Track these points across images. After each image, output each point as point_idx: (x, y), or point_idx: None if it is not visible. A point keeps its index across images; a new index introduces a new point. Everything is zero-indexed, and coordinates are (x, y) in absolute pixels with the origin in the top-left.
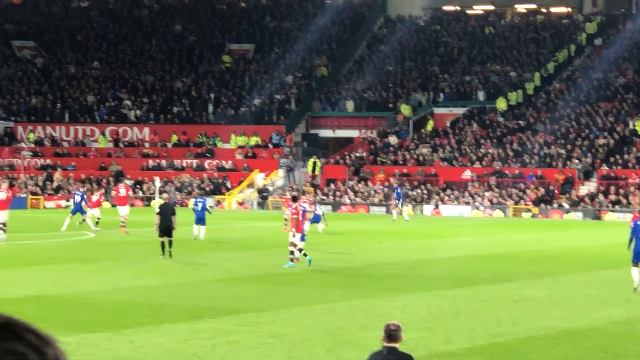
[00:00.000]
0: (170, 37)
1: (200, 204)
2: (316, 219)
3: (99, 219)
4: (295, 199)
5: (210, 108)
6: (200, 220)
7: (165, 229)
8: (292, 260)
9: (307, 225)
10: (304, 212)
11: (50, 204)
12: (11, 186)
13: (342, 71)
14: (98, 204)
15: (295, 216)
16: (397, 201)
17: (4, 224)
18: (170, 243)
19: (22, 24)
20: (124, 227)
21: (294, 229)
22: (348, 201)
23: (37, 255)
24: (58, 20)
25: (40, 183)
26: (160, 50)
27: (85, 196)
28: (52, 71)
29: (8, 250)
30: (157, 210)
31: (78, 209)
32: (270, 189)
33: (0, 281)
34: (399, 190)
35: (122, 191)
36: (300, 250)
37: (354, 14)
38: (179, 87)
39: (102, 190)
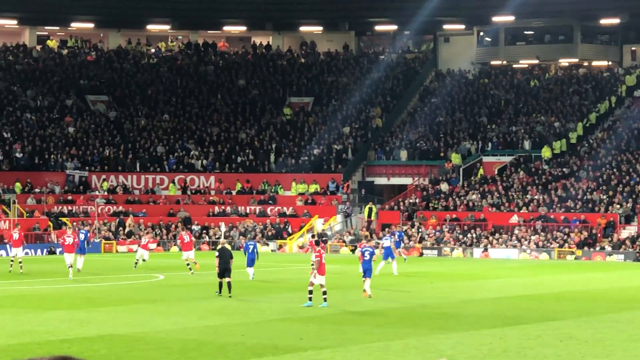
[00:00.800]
0: (234, 91)
1: (251, 247)
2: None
3: (144, 260)
4: (318, 242)
5: (272, 157)
6: (252, 262)
7: (224, 271)
8: (325, 300)
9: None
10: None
11: (122, 248)
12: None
13: (395, 122)
14: (146, 247)
15: (318, 259)
16: (397, 249)
17: (71, 266)
18: (228, 284)
19: (96, 80)
20: (191, 268)
21: (316, 271)
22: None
23: (109, 297)
24: (129, 75)
25: (112, 229)
26: (225, 103)
27: (88, 235)
28: (124, 123)
29: (83, 292)
30: (217, 253)
31: (81, 248)
32: (329, 233)
33: (75, 321)
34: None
35: (186, 237)
36: (324, 292)
37: (406, 69)
38: (242, 138)
39: (151, 234)
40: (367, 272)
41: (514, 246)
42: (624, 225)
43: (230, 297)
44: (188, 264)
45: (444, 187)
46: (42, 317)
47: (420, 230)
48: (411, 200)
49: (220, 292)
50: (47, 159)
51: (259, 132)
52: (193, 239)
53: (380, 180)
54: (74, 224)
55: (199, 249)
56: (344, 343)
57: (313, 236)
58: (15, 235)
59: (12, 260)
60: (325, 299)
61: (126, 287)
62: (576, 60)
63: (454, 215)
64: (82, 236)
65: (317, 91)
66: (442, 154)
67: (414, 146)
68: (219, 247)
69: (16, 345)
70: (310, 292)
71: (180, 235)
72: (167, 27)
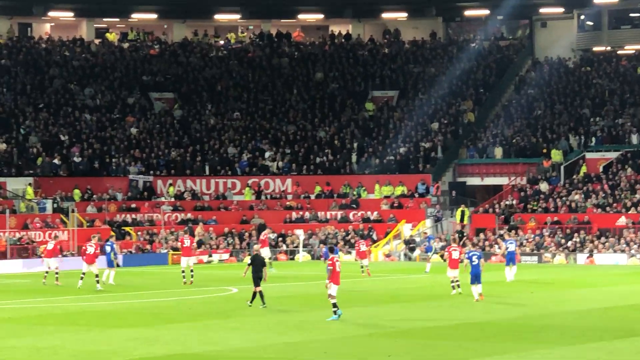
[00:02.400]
0: (311, 85)
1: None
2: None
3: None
4: (332, 249)
5: (354, 157)
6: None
7: (256, 280)
8: (335, 312)
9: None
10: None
11: (191, 259)
12: (151, 242)
13: (489, 116)
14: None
15: (330, 267)
16: (429, 253)
17: (97, 275)
18: (260, 293)
19: (160, 75)
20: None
21: (330, 281)
22: (498, 251)
23: (179, 312)
24: (196, 70)
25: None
26: (302, 98)
27: (114, 247)
28: (191, 123)
29: (149, 308)
30: (249, 261)
31: (108, 261)
32: (418, 240)
33: (142, 339)
34: (431, 240)
35: (187, 242)
36: (334, 305)
37: (500, 57)
38: (321, 137)
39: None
40: (476, 277)
41: (622, 251)
42: None
43: (264, 306)
44: (183, 272)
45: (544, 187)
46: (106, 335)
47: (518, 234)
48: (507, 202)
49: (251, 303)
50: (108, 163)
51: (339, 129)
52: (194, 244)
53: (473, 181)
54: (95, 236)
55: (276, 259)
56: None
57: (323, 243)
58: (50, 246)
59: (46, 273)
60: (335, 312)
61: (196, 302)
62: None
63: (555, 218)
64: (107, 248)
65: (402, 84)
66: (541, 151)
67: (509, 142)
68: (252, 254)
69: None
70: (334, 304)
71: (180, 238)
72: (236, 16)
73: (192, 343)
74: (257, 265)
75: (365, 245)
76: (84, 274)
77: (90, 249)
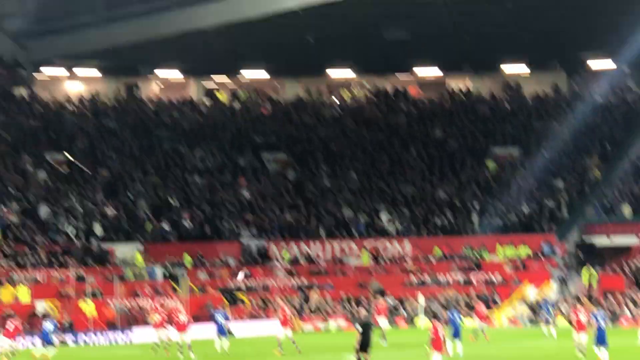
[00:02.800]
0: (430, 144)
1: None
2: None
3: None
4: (435, 316)
5: (475, 218)
6: (457, 334)
7: (365, 346)
8: None
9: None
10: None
11: (308, 326)
12: (265, 308)
13: (616, 172)
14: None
15: (433, 337)
16: (547, 316)
17: (190, 346)
18: None
19: (272, 136)
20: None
21: (433, 349)
22: (628, 314)
23: None
24: (310, 130)
25: (296, 304)
26: (420, 157)
27: (227, 315)
28: (306, 184)
29: None
30: (359, 328)
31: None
32: (542, 303)
33: None
34: (547, 304)
35: (182, 318)
36: None
37: (627, 110)
38: (441, 197)
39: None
40: (602, 339)
41: None
42: None
43: None
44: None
45: None
46: None
47: None
48: (637, 263)
49: None
50: (220, 227)
51: (459, 189)
52: (186, 318)
53: (600, 240)
54: (212, 306)
55: (394, 323)
56: None
57: (444, 307)
58: (157, 318)
59: (157, 344)
60: None
61: None
62: None
63: None
64: (218, 317)
65: (525, 140)
66: None
67: (638, 200)
68: (362, 321)
69: None
70: None
71: (281, 307)
72: (350, 72)
73: None
74: (367, 332)
75: (485, 309)
76: (178, 343)
77: (183, 318)
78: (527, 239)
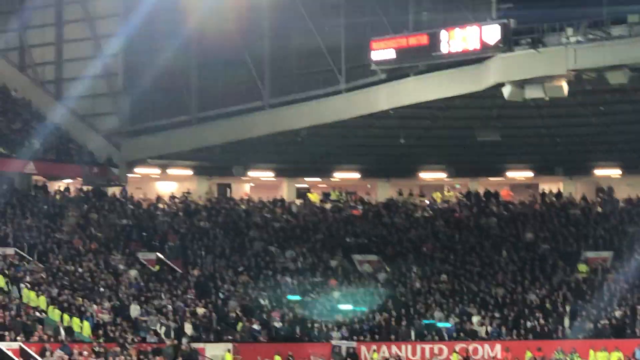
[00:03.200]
0: (521, 246)
1: None
2: None
3: None
4: None
5: (567, 321)
6: None
7: None
8: None
9: None
10: None
11: None
12: None
13: None
14: None
15: None
16: None
17: None
18: None
19: (363, 237)
20: None
21: None
22: None
23: None
24: (401, 231)
25: None
26: (511, 260)
27: None
28: (396, 286)
29: None
30: None
31: None
32: None
33: None
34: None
35: None
36: None
37: None
38: (532, 300)
39: None
40: None
41: None
42: None
43: None
44: None
45: None
46: None
47: None
48: None
49: None
50: (310, 328)
51: (550, 292)
52: None
53: None
54: None
55: None
56: None
57: None
58: None
59: None
60: None
61: None
62: None
63: None
64: None
65: (617, 244)
66: None
67: None
68: None
69: None
70: None
71: None
72: (442, 175)
73: None
74: None
75: None
76: None
77: None
78: (620, 344)
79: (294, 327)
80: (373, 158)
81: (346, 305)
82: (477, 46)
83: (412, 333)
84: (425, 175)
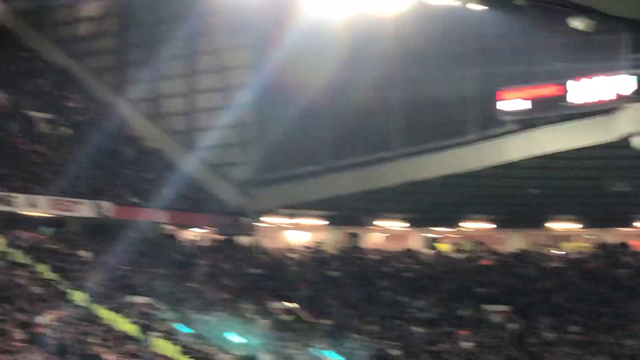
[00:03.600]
0: None
1: None
2: None
3: None
4: None
5: None
6: None
7: None
8: None
9: None
10: None
11: None
12: None
13: None
14: None
15: None
16: None
17: None
18: None
19: (493, 287)
20: None
21: None
22: None
23: None
24: (531, 281)
25: None
26: None
27: None
28: (526, 337)
29: None
30: None
31: None
32: None
33: None
34: None
35: None
36: None
37: None
38: None
39: None
40: None
41: None
42: None
43: None
44: None
45: None
46: None
47: None
48: None
49: None
50: None
51: None
52: None
53: None
54: None
55: None
56: None
57: None
58: None
59: None
60: None
61: None
62: None
63: None
64: None
65: None
66: None
67: None
68: None
69: None
70: None
71: None
72: (572, 225)
73: None
74: None
75: None
76: None
77: None
78: None
79: None
80: (504, 208)
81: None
82: (613, 96)
83: None
84: (555, 226)
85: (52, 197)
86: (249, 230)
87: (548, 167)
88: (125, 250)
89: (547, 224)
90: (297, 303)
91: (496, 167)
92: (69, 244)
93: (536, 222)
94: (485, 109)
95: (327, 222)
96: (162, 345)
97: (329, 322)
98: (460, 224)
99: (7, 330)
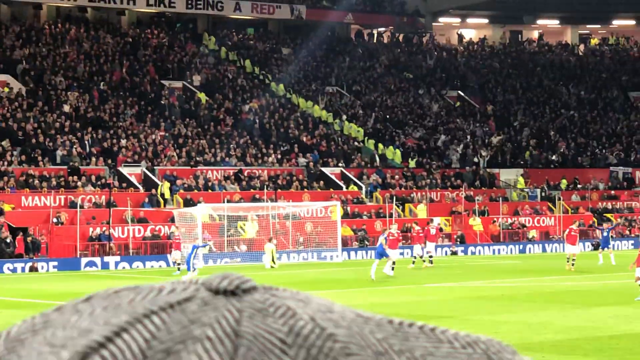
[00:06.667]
0: None
1: None
2: None
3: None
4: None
5: None
6: None
7: None
8: None
9: None
10: None
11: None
12: (630, 228)
13: None
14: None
15: None
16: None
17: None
18: None
19: (637, 76)
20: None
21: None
22: None
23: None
24: None
25: None
26: None
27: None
28: None
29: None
30: None
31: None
32: None
33: (621, 317)
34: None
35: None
36: None
37: None
38: None
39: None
40: None
41: None
42: None
43: None
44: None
45: None
46: (589, 313)
47: None
48: None
49: None
50: (592, 155)
51: None
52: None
53: None
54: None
55: None
56: None
57: None
58: (432, 231)
59: (421, 257)
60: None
61: None
62: None
63: None
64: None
65: None
66: None
67: None
68: None
69: (564, 341)
70: None
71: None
72: None
73: None
74: None
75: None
76: (568, 257)
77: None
78: None
79: (578, 154)
80: None
81: None
82: None
83: None
84: None
85: (254, 2)
86: (424, 29)
87: None
88: (318, 47)
89: None
90: (466, 91)
91: None
92: (269, 42)
93: None
94: None
95: (492, 22)
96: (350, 128)
97: (492, 107)
98: (608, 22)
99: (218, 117)
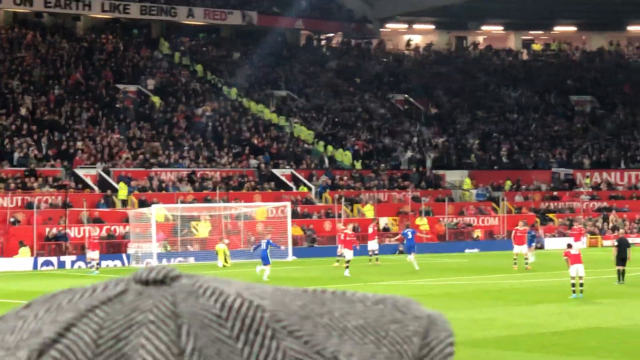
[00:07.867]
0: None
1: None
2: None
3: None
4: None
5: None
6: None
7: (619, 260)
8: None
9: None
10: None
11: (607, 242)
12: (570, 226)
13: None
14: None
15: None
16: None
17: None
18: (623, 272)
19: (579, 81)
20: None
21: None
22: None
23: (595, 290)
24: (611, 75)
25: (598, 224)
26: None
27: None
28: (605, 121)
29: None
30: (616, 243)
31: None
32: None
33: (564, 314)
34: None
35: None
36: None
37: None
38: None
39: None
40: None
41: None
42: None
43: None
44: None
45: None
46: (533, 310)
47: None
48: None
49: (619, 280)
50: (533, 157)
51: None
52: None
53: None
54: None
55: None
56: None
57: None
58: (370, 229)
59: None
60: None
61: (611, 281)
62: None
63: None
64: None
65: None
66: None
67: None
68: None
69: (508, 337)
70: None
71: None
72: None
73: (609, 318)
74: (622, 246)
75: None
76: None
77: (519, 233)
78: None
79: (520, 156)
80: (588, 13)
81: None
82: None
83: (622, 161)
84: (633, 28)
85: (207, 8)
86: (372, 35)
87: None
88: (269, 52)
89: (625, 26)
90: (411, 94)
91: None
92: (221, 47)
93: (615, 24)
94: None
95: (438, 27)
96: (301, 130)
97: (437, 110)
98: (550, 28)
99: (172, 120)
